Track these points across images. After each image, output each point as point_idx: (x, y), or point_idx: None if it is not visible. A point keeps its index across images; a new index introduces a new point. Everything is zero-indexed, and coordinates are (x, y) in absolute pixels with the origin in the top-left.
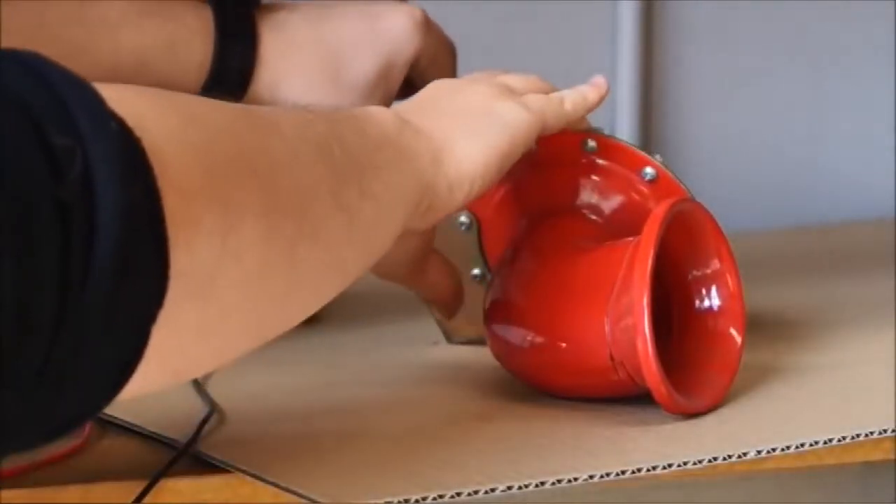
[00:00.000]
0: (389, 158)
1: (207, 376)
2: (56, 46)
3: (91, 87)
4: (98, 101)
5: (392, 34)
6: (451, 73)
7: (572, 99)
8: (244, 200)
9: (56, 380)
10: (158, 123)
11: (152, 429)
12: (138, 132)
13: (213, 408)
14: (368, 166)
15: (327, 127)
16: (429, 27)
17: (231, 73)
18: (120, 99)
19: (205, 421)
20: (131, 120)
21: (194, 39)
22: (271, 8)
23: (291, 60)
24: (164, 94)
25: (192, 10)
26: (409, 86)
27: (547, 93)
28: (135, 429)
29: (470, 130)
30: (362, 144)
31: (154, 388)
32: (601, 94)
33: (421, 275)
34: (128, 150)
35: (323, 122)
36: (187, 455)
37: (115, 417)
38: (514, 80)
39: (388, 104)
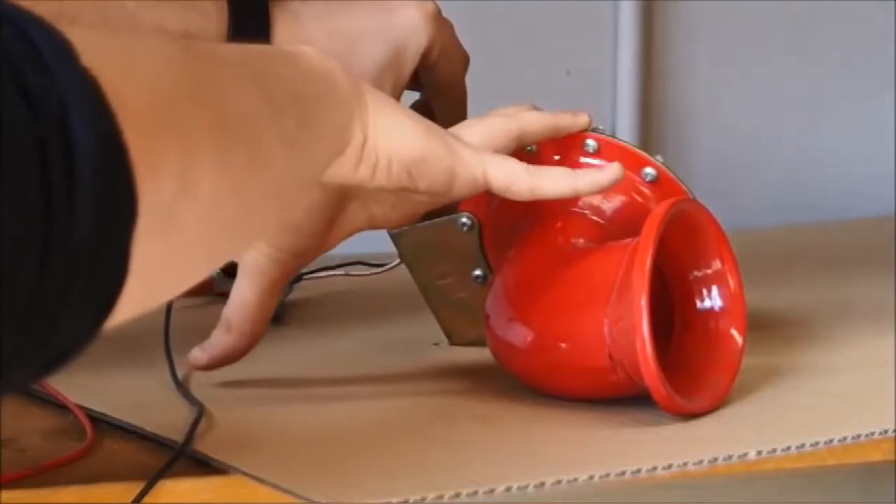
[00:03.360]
0: (323, 89)
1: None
2: None
3: (55, 29)
4: (64, 43)
5: (403, 26)
6: (462, 69)
7: (549, 176)
8: (196, 133)
9: (47, 313)
10: (110, 61)
11: (147, 430)
12: (94, 70)
13: (202, 408)
14: (303, 97)
15: (261, 60)
16: (441, 22)
17: None
18: (72, 38)
19: (196, 421)
20: (85, 58)
21: (209, 27)
22: None
23: None
24: (113, 34)
25: None
26: (419, 80)
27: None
28: (134, 429)
29: (401, 116)
30: (294, 77)
31: (121, 318)
32: (596, 183)
33: (328, 240)
34: (92, 90)
35: (256, 56)
36: (186, 456)
37: (114, 418)
38: (531, 118)
39: (398, 96)
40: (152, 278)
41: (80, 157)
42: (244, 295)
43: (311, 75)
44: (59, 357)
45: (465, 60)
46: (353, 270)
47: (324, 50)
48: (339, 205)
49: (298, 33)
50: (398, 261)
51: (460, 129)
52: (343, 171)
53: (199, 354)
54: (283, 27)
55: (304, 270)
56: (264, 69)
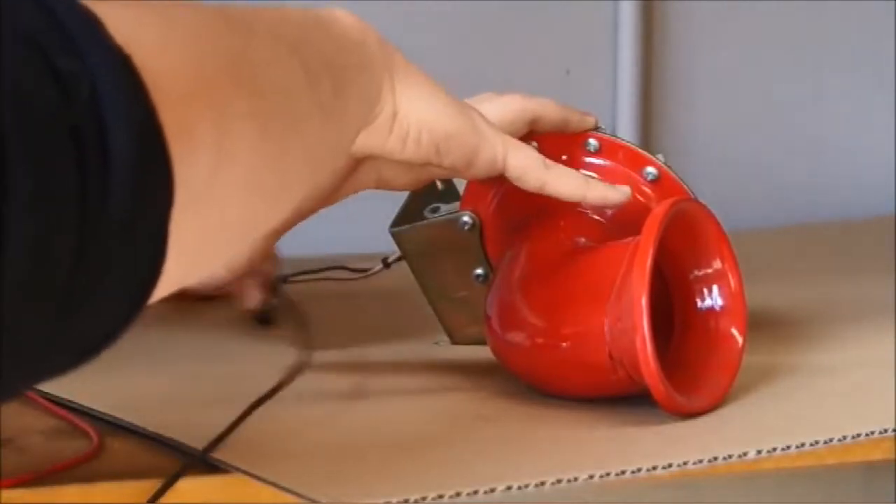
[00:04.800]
0: (355, 60)
1: None
2: None
3: (86, 8)
4: (95, 23)
5: None
6: None
7: (561, 174)
8: (233, 104)
9: (84, 297)
10: (143, 37)
11: (148, 430)
12: (127, 48)
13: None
14: (336, 65)
15: (295, 27)
16: None
17: None
18: (104, 15)
19: (228, 431)
20: (119, 36)
21: None
22: None
23: None
24: (144, 5)
25: None
26: None
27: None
28: (137, 430)
29: (432, 90)
30: (327, 44)
31: (158, 296)
32: (605, 198)
33: (332, 197)
34: (126, 70)
35: (292, 22)
36: (188, 456)
37: (115, 418)
38: (548, 106)
39: None
40: (190, 253)
41: (113, 144)
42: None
43: (342, 43)
44: (98, 343)
45: None
46: (335, 275)
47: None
48: (354, 167)
49: None
50: (380, 266)
51: (479, 103)
52: (373, 141)
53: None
54: None
55: (285, 274)
56: (300, 36)
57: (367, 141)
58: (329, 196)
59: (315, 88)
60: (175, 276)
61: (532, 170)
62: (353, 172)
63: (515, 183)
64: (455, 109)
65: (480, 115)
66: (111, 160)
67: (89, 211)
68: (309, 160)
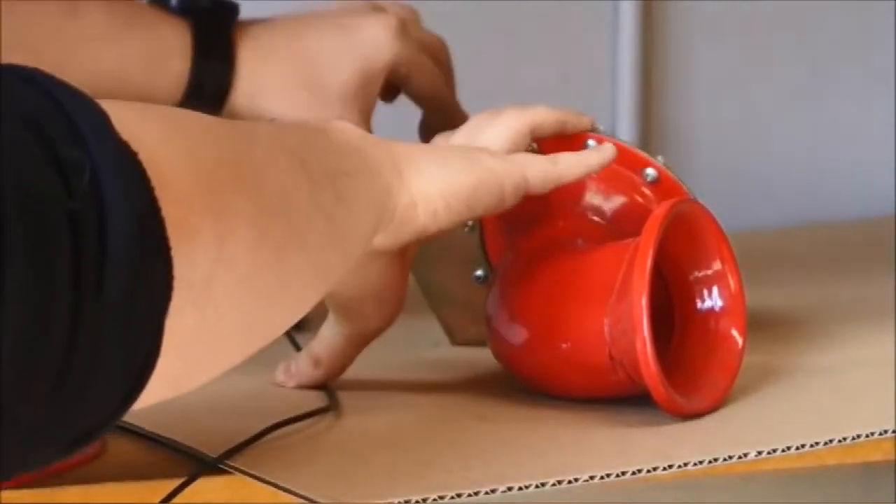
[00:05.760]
0: (357, 166)
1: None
2: (36, 63)
3: (93, 101)
4: (100, 115)
5: (367, 43)
6: (437, 79)
7: (568, 162)
8: (235, 206)
9: (75, 389)
10: (149, 135)
11: (146, 430)
12: (132, 144)
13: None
14: (339, 172)
15: (297, 135)
16: (405, 34)
17: (209, 87)
18: (111, 111)
19: (250, 441)
20: (125, 133)
21: (173, 54)
22: (248, 23)
23: (269, 72)
24: (147, 106)
25: (171, 25)
26: (395, 92)
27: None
28: (136, 430)
29: (438, 158)
30: (330, 152)
31: (152, 400)
32: (603, 160)
33: (405, 280)
34: (130, 163)
35: (292, 132)
36: (189, 456)
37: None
38: (544, 113)
39: (368, 112)
40: (188, 354)
41: (112, 234)
42: (336, 340)
43: (343, 150)
44: (86, 434)
45: (438, 71)
46: None
47: (352, 124)
48: (402, 252)
49: (263, 58)
50: None
51: (480, 131)
52: (405, 233)
53: (284, 378)
54: (247, 52)
55: None
56: (301, 144)
57: (399, 235)
58: (402, 281)
59: (317, 193)
60: (171, 375)
61: (548, 175)
62: (405, 252)
63: (539, 192)
64: (464, 163)
65: (486, 152)
66: (109, 249)
67: (84, 299)
68: (312, 265)
